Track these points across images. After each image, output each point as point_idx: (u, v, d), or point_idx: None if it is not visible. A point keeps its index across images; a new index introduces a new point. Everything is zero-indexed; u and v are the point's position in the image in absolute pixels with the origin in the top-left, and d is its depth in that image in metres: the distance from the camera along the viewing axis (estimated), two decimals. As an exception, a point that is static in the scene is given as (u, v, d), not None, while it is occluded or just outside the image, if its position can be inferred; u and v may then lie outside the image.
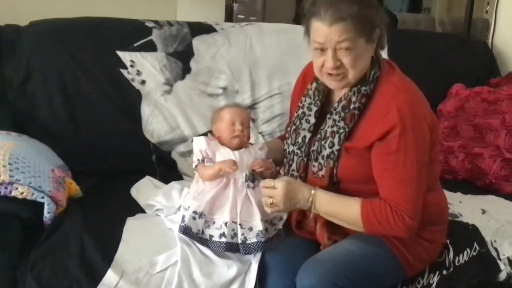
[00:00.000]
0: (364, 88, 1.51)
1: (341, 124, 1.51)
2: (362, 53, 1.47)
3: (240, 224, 1.55)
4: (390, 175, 1.44)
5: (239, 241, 1.54)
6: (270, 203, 1.51)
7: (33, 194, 1.55)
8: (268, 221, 1.59)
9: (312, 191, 1.51)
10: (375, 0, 1.50)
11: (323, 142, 1.54)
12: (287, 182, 1.52)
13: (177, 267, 1.50)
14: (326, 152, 1.52)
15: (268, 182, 1.54)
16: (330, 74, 1.49)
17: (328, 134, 1.53)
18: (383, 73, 1.53)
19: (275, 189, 1.51)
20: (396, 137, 1.41)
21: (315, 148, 1.56)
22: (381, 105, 1.47)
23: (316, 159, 1.55)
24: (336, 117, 1.53)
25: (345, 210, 1.49)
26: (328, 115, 1.56)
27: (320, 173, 1.53)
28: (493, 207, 2.01)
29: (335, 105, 1.55)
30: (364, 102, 1.50)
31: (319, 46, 1.47)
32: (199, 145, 1.68)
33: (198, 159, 1.66)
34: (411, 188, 1.44)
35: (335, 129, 1.52)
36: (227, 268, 1.52)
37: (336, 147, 1.50)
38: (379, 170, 1.46)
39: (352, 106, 1.51)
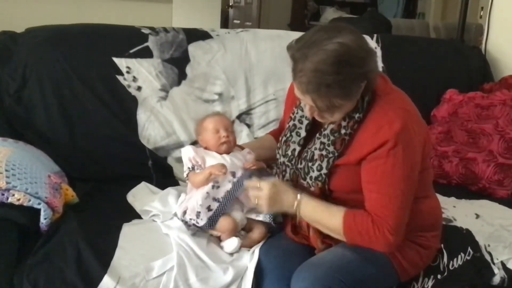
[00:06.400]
0: (357, 115, 1.48)
1: (331, 148, 1.50)
2: (339, 106, 1.44)
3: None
4: (376, 189, 1.44)
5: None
6: (256, 204, 1.54)
7: (29, 200, 1.56)
8: None
9: (298, 196, 1.51)
10: (359, 51, 1.37)
11: (310, 164, 1.53)
12: (273, 184, 1.53)
13: (173, 272, 1.51)
14: (314, 174, 1.52)
15: (254, 182, 1.56)
16: None
17: (316, 157, 1.52)
18: (377, 94, 1.49)
19: (261, 190, 1.53)
20: (386, 151, 1.41)
21: (302, 166, 1.56)
22: (373, 123, 1.46)
23: (304, 179, 1.56)
24: (325, 140, 1.52)
25: (328, 218, 1.49)
26: (317, 135, 1.55)
27: (311, 189, 1.55)
28: (486, 211, 2.02)
29: (325, 125, 1.54)
30: (356, 127, 1.49)
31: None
32: (187, 153, 1.71)
33: (189, 167, 1.69)
34: (396, 203, 1.43)
35: (324, 152, 1.51)
36: (223, 273, 1.53)
37: (324, 170, 1.50)
38: (366, 183, 1.46)
39: (343, 131, 1.49)
